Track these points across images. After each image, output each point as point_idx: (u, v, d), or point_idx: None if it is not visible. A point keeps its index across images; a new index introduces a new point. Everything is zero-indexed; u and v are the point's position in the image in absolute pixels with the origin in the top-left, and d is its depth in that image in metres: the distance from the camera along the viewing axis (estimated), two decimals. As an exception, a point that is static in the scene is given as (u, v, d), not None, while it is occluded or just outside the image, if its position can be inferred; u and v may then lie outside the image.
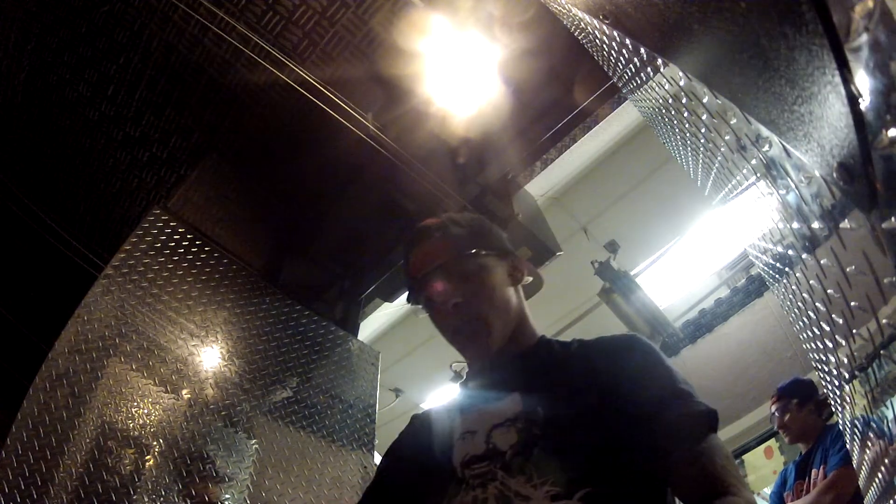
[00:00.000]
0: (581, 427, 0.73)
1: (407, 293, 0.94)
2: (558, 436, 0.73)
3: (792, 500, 2.18)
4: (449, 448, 0.81)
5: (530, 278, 0.97)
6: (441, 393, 5.25)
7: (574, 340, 0.89)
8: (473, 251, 0.89)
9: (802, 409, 2.24)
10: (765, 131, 0.48)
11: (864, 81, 0.29)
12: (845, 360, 0.57)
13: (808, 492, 2.09)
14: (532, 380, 0.82)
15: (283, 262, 2.91)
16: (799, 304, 0.73)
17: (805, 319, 0.74)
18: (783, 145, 0.45)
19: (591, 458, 0.70)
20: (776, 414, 2.34)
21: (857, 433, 0.68)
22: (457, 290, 0.86)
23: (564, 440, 0.72)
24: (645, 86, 0.98)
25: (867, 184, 0.30)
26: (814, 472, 2.11)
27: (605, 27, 0.98)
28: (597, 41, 1.14)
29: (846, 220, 0.39)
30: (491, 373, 0.88)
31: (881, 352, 0.42)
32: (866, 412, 0.57)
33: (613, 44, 0.99)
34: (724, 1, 0.41)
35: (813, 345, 0.78)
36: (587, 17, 1.10)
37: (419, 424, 0.93)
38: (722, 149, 0.70)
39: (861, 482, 0.72)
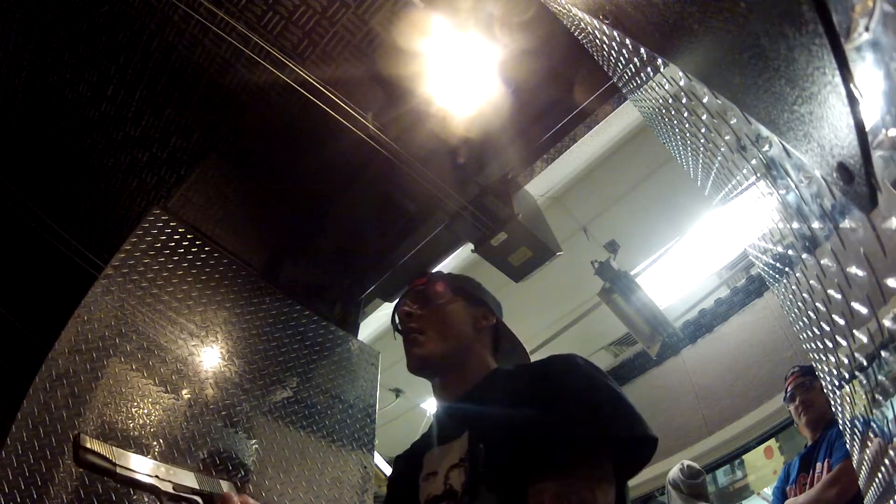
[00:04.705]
0: (512, 461, 0.74)
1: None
2: (497, 471, 0.76)
3: (796, 494, 2.16)
4: (416, 488, 0.89)
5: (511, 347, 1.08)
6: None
7: (517, 368, 0.94)
8: (441, 284, 1.05)
9: (824, 392, 2.17)
10: (765, 131, 0.48)
11: (863, 82, 0.29)
12: (845, 360, 0.57)
13: (812, 485, 2.07)
14: (479, 417, 0.86)
15: (283, 262, 2.91)
16: (799, 304, 0.73)
17: (805, 319, 0.74)
18: (783, 145, 0.45)
19: (521, 491, 0.72)
20: (795, 392, 2.28)
21: (857, 433, 0.68)
22: (413, 306, 1.04)
23: (501, 475, 0.75)
24: (645, 86, 0.98)
25: (867, 184, 0.30)
26: (818, 465, 2.09)
27: (605, 27, 0.98)
28: (597, 41, 1.14)
29: (846, 220, 0.39)
30: (449, 411, 0.96)
31: (881, 352, 0.42)
32: (866, 412, 0.57)
33: (613, 44, 0.99)
34: (724, 1, 0.41)
35: (813, 345, 0.78)
36: (587, 17, 1.10)
37: (399, 466, 1.04)
38: (722, 149, 0.70)
39: (861, 482, 0.72)
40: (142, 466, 0.75)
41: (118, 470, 0.71)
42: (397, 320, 1.07)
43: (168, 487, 0.74)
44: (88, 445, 0.71)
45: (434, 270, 1.18)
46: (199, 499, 0.77)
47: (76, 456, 0.71)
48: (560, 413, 0.74)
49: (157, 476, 0.75)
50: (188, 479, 0.78)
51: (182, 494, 0.76)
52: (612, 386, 0.79)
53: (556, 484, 0.69)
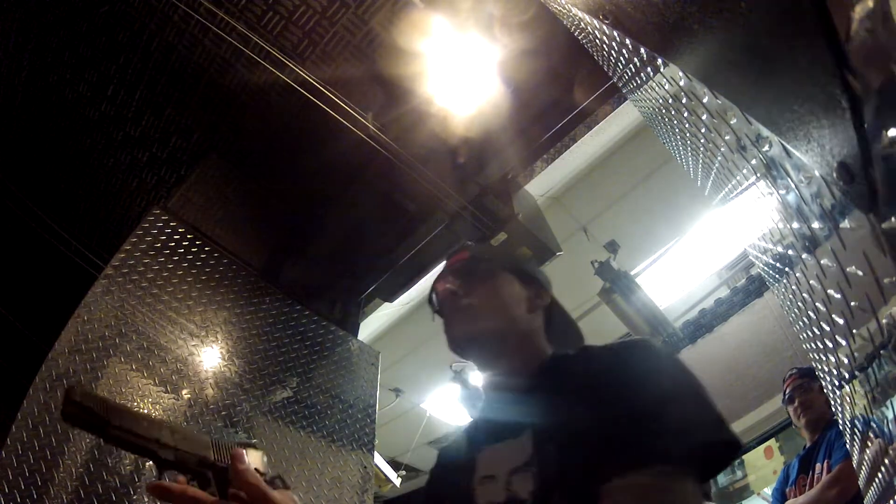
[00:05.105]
0: (588, 465, 0.65)
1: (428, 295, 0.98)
2: (570, 477, 0.66)
3: (795, 496, 2.16)
4: (471, 492, 0.78)
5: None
6: (441, 393, 5.25)
7: (581, 353, 0.84)
8: (489, 259, 0.94)
9: (822, 392, 2.17)
10: (765, 131, 0.48)
11: (864, 81, 0.29)
12: (845, 360, 0.57)
13: (811, 486, 2.07)
14: (542, 412, 0.76)
15: (283, 262, 2.91)
16: (799, 304, 0.73)
17: (805, 319, 0.74)
18: (783, 145, 0.45)
19: (597, 499, 0.63)
20: (794, 394, 2.28)
21: (857, 433, 0.68)
22: (460, 283, 0.91)
23: (576, 482, 0.66)
24: (645, 86, 0.98)
25: (867, 184, 0.30)
26: (818, 466, 2.09)
27: (605, 27, 0.98)
28: (597, 41, 1.14)
29: (846, 220, 0.39)
30: (504, 403, 0.85)
31: (881, 352, 0.42)
32: (866, 412, 0.57)
33: (613, 44, 0.99)
34: (725, 1, 0.41)
35: (813, 345, 0.78)
36: (587, 17, 1.10)
37: (446, 462, 0.92)
38: (722, 149, 0.70)
39: (861, 482, 0.72)
40: (141, 428, 0.61)
41: (110, 430, 0.58)
42: (437, 300, 0.93)
43: (169, 456, 0.61)
44: (78, 399, 0.58)
45: (475, 244, 1.06)
46: (209, 473, 0.62)
47: (63, 410, 0.59)
48: (641, 416, 0.66)
49: (157, 440, 0.61)
50: (199, 446, 0.63)
51: (188, 466, 0.62)
52: (696, 384, 0.72)
53: (636, 483, 0.62)
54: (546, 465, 0.69)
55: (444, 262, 0.99)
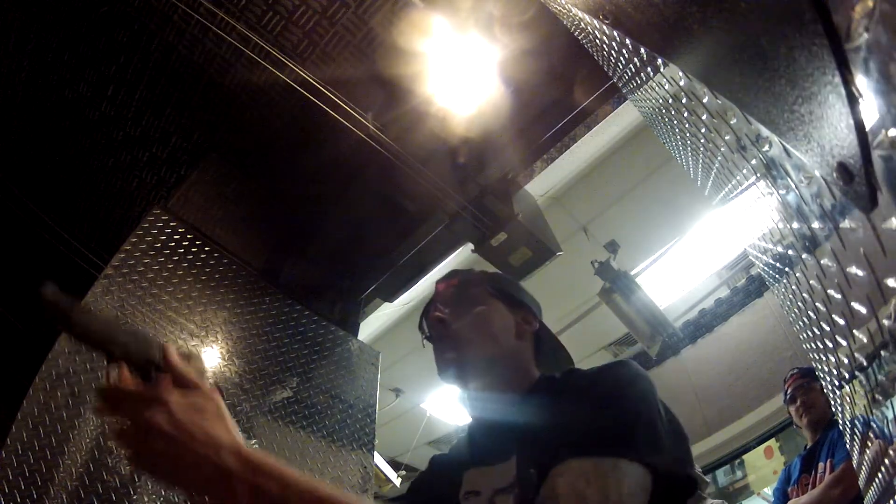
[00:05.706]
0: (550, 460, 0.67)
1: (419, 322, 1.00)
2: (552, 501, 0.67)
3: (797, 495, 2.16)
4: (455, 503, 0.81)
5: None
6: (441, 393, 5.25)
7: (566, 375, 0.86)
8: (479, 286, 0.96)
9: (824, 392, 2.16)
10: (765, 131, 0.48)
11: (863, 81, 0.29)
12: (845, 360, 0.57)
13: (814, 486, 2.07)
14: (526, 436, 0.77)
15: (283, 262, 2.91)
16: (799, 304, 0.73)
17: (805, 319, 0.74)
18: (783, 145, 0.45)
19: None
20: (795, 394, 2.27)
21: (857, 433, 0.68)
22: (447, 309, 0.93)
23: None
24: (645, 86, 0.98)
25: (867, 184, 0.30)
26: (820, 465, 2.08)
27: (605, 27, 0.98)
28: (597, 41, 1.14)
29: (846, 220, 0.39)
30: (492, 427, 0.87)
31: (881, 352, 0.42)
32: (866, 412, 0.57)
33: (613, 44, 0.99)
34: (725, 1, 0.41)
35: (813, 345, 0.78)
36: (587, 17, 1.10)
37: (435, 472, 0.95)
38: (722, 149, 0.70)
39: (861, 483, 0.72)
40: (100, 325, 0.68)
41: (73, 326, 0.66)
42: (427, 327, 0.97)
43: (119, 352, 0.67)
44: (51, 298, 0.65)
45: (465, 269, 1.08)
46: (152, 370, 0.69)
47: (41, 306, 0.65)
48: (602, 419, 0.69)
49: (111, 338, 0.68)
50: (148, 346, 0.69)
51: (134, 361, 0.68)
52: (661, 411, 0.73)
53: (576, 467, 0.64)
54: (526, 489, 0.70)
55: (435, 288, 1.01)
